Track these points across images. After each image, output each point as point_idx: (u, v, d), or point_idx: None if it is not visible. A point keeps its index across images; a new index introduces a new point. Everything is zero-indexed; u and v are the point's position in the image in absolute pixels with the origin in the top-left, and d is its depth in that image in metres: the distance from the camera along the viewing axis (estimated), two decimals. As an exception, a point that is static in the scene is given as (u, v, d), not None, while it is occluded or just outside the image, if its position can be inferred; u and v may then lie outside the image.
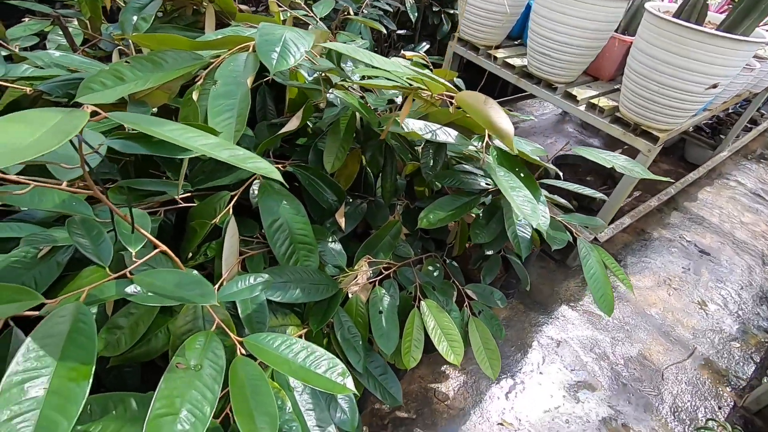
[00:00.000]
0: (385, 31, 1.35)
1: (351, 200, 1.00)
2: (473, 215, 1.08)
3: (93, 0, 1.13)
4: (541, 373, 1.32)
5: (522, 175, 0.80)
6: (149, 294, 0.50)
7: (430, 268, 1.01)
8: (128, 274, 0.50)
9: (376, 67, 0.70)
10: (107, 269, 0.51)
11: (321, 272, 0.79)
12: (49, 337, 0.40)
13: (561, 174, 0.92)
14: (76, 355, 0.40)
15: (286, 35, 0.62)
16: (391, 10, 1.77)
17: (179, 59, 0.63)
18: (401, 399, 0.82)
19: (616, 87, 1.61)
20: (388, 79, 0.78)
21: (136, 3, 0.97)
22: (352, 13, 1.61)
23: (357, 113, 0.86)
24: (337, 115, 0.81)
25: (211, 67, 0.65)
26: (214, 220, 0.72)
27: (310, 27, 1.28)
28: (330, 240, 0.88)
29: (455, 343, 0.85)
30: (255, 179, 0.80)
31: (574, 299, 1.59)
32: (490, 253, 1.07)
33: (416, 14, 1.91)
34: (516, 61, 1.68)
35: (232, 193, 0.75)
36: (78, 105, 0.46)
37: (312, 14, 1.38)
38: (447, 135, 0.79)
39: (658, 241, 1.97)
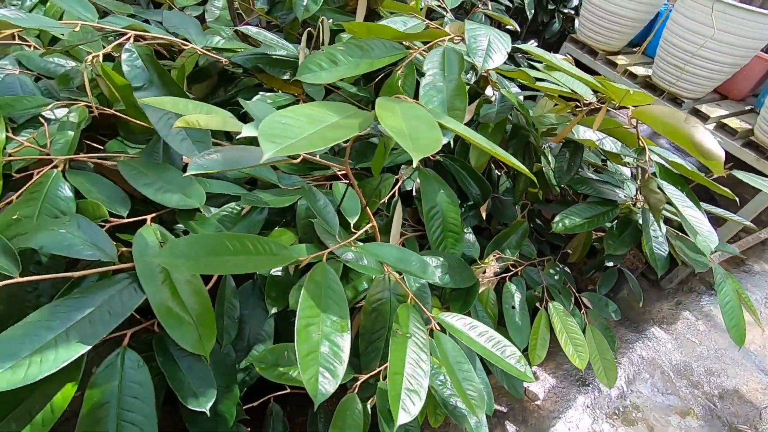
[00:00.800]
0: (517, 28, 1.34)
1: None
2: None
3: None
4: (631, 390, 1.31)
5: (684, 193, 0.80)
6: (364, 263, 0.55)
7: (551, 271, 1.03)
8: (352, 244, 0.56)
9: (563, 71, 0.72)
10: (337, 237, 0.57)
11: (462, 261, 0.83)
12: (313, 292, 0.46)
13: (737, 199, 0.88)
14: (334, 310, 0.46)
15: (490, 36, 0.65)
16: (511, 5, 1.75)
17: (385, 48, 0.67)
18: (523, 393, 0.85)
19: (748, 108, 1.52)
20: (556, 83, 0.79)
21: (305, -15, 1.03)
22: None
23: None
24: (500, 113, 0.84)
25: (410, 58, 0.69)
26: (383, 200, 0.77)
27: (445, 17, 1.30)
28: (466, 231, 0.92)
29: (580, 347, 0.87)
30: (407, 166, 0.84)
31: (667, 322, 1.55)
32: (610, 264, 1.07)
33: (532, 11, 1.88)
34: (639, 70, 1.62)
35: (396, 177, 0.80)
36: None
37: (444, 5, 1.40)
38: (613, 145, 0.79)
39: (759, 275, 1.86)
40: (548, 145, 1.08)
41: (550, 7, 2.00)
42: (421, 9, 1.31)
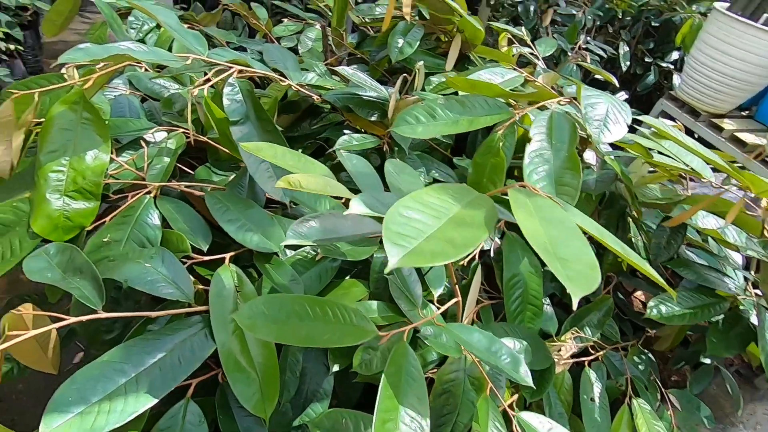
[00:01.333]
0: (616, 84, 1.26)
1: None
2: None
3: (341, 10, 1.23)
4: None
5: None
6: (443, 341, 0.50)
7: (636, 359, 0.91)
8: (434, 321, 0.51)
9: (678, 143, 0.64)
10: (418, 309, 0.53)
11: (539, 339, 0.75)
12: (393, 378, 0.42)
13: None
14: (413, 404, 0.41)
15: (609, 105, 0.59)
16: (604, 55, 1.66)
17: (488, 107, 0.63)
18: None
19: None
20: (670, 157, 0.71)
21: (402, 26, 1.02)
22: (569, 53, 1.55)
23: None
24: (600, 182, 0.76)
25: (513, 119, 0.64)
26: (461, 262, 0.72)
27: (537, 67, 1.25)
28: (545, 302, 0.84)
29: (668, 460, 0.75)
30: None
31: (762, 427, 1.33)
32: (706, 361, 0.93)
33: (627, 63, 1.78)
34: (748, 138, 1.46)
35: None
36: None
37: (536, 52, 1.35)
38: (737, 236, 0.69)
39: None
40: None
41: (647, 59, 1.88)
42: (513, 56, 1.27)
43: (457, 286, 0.53)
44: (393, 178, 0.52)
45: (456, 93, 0.82)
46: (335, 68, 0.82)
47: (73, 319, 0.44)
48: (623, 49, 1.75)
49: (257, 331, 0.40)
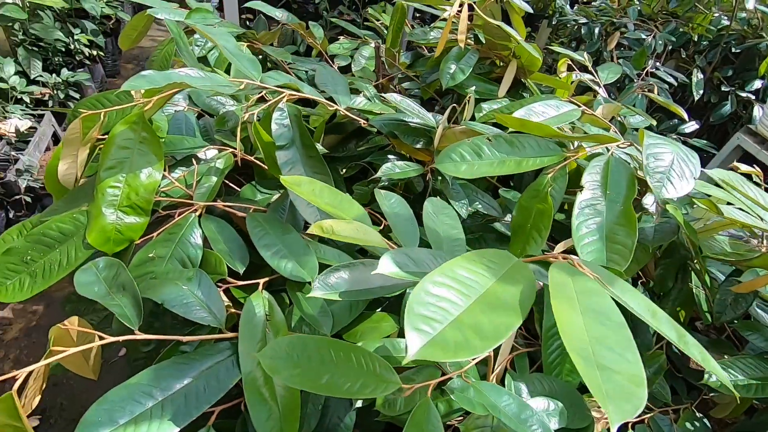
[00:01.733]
0: (686, 117, 1.16)
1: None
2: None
3: (396, 32, 1.22)
4: None
5: None
6: (470, 397, 0.47)
7: (688, 425, 0.83)
8: (465, 376, 0.49)
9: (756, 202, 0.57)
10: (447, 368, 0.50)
11: (578, 394, 0.70)
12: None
13: None
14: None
15: (675, 155, 0.54)
16: (675, 82, 1.55)
17: (538, 148, 0.60)
18: None
19: None
20: (745, 211, 0.64)
21: (456, 51, 1.01)
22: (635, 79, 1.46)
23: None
24: (659, 233, 0.70)
25: (564, 163, 0.61)
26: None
27: (597, 97, 1.19)
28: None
29: None
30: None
31: None
32: (774, 436, 0.83)
33: (700, 91, 1.64)
34: (840, 182, 1.30)
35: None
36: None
37: (597, 79, 1.28)
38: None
39: None
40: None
41: (723, 88, 1.73)
42: (572, 83, 1.22)
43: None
44: (431, 220, 0.51)
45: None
46: (384, 95, 0.81)
47: (111, 339, 0.45)
48: (697, 76, 1.62)
49: (278, 373, 0.40)
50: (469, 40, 1.08)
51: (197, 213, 0.66)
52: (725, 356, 0.87)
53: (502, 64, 1.13)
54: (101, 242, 0.61)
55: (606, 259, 0.48)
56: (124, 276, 0.53)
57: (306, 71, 1.24)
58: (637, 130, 1.25)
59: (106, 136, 0.64)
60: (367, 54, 1.34)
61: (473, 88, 1.03)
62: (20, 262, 0.58)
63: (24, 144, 1.53)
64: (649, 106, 1.64)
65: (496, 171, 0.58)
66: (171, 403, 0.44)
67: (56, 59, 1.88)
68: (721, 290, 0.80)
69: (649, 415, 0.78)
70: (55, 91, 1.77)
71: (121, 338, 0.46)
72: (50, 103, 1.77)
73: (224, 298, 0.63)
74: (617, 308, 0.28)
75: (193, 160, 0.75)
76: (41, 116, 1.71)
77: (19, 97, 1.65)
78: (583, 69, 1.27)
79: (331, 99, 0.84)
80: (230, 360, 0.51)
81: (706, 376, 0.73)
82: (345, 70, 1.32)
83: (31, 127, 1.54)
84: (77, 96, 1.84)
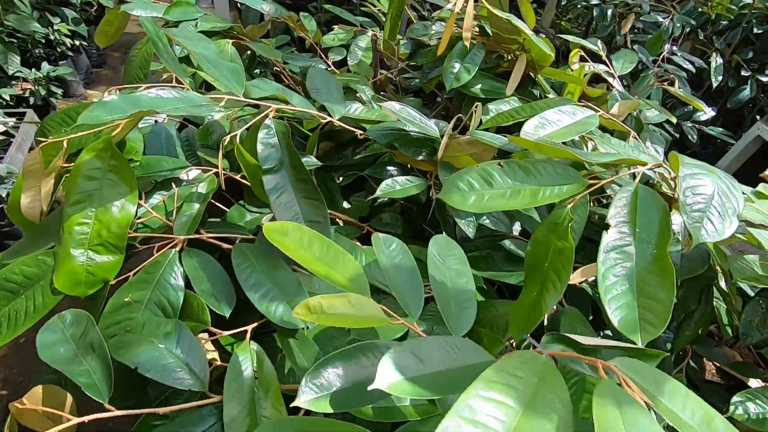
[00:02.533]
0: (707, 112, 1.08)
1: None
2: None
3: (394, 22, 1.13)
4: None
5: None
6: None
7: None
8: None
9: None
10: None
11: None
12: None
13: None
14: None
15: (716, 187, 0.47)
16: (693, 69, 1.45)
17: (557, 175, 0.53)
18: None
19: None
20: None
21: (460, 47, 0.92)
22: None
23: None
24: (688, 261, 0.64)
25: (585, 192, 0.53)
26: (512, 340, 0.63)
27: (612, 91, 1.10)
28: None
29: None
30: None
31: None
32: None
33: (719, 77, 1.55)
34: None
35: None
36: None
37: (611, 69, 1.19)
38: None
39: None
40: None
41: (743, 72, 1.63)
42: (585, 75, 1.13)
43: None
44: (436, 269, 0.44)
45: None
46: (385, 106, 0.73)
47: (76, 420, 0.40)
48: (716, 61, 1.52)
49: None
50: (474, 31, 0.99)
51: (178, 248, 0.60)
52: (750, 380, 0.83)
53: (510, 57, 1.04)
54: (70, 286, 0.55)
55: (638, 317, 0.42)
56: (92, 333, 0.47)
57: (300, 67, 1.15)
58: (653, 125, 1.17)
59: (72, 165, 0.57)
60: (364, 45, 1.25)
61: (479, 86, 0.95)
62: (-19, 313, 0.52)
63: (2, 151, 1.42)
64: (663, 90, 1.55)
65: (509, 204, 0.51)
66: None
67: (36, 51, 1.78)
68: (747, 309, 0.74)
69: (669, 447, 0.74)
70: (36, 87, 1.68)
71: (86, 418, 0.40)
72: (32, 100, 1.69)
73: (210, 347, 0.57)
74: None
75: (173, 183, 0.68)
76: (22, 114, 1.63)
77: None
78: (597, 59, 1.18)
79: (323, 108, 0.77)
80: (216, 428, 0.46)
81: (731, 407, 0.68)
82: (341, 63, 1.23)
83: (4, 132, 1.43)
84: (59, 91, 1.75)
